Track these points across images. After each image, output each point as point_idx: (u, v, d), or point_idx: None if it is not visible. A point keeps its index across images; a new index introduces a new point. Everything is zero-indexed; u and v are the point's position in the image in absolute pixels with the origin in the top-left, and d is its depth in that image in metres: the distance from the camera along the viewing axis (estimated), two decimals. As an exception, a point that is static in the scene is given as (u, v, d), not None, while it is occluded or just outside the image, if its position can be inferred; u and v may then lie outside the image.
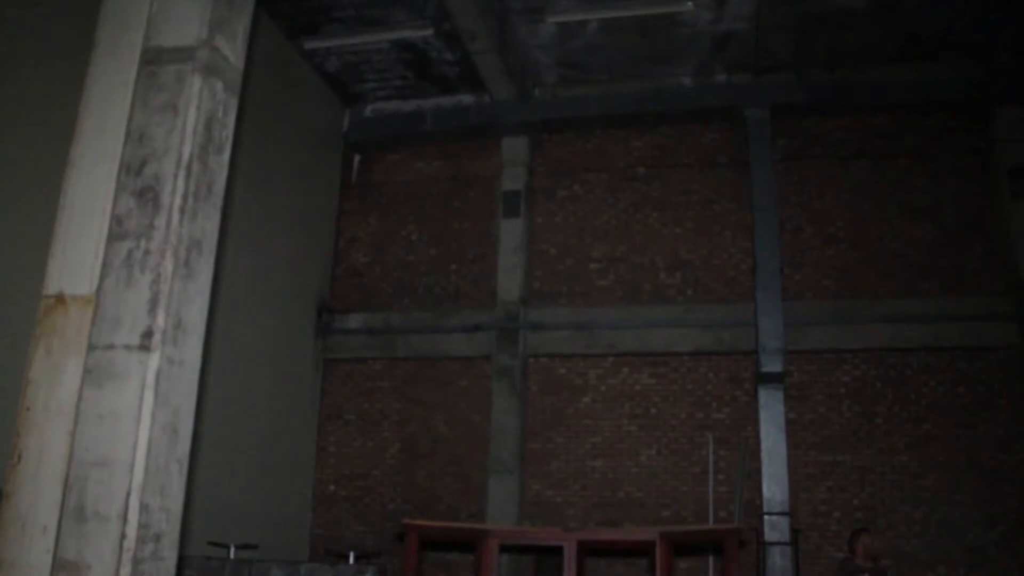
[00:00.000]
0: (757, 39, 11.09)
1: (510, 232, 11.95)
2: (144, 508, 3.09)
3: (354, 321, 12.13)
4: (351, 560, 8.42)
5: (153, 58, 3.46)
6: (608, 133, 12.24)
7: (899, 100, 11.56)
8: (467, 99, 12.46)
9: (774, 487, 10.40)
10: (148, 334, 3.20)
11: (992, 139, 11.29)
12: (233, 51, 3.62)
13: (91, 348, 3.23)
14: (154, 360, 3.19)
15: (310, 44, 11.32)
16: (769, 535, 10.27)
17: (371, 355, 12.08)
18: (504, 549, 9.51)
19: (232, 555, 8.29)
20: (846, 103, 11.67)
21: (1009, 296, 10.71)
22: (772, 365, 10.67)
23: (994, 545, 10.22)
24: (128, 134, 3.42)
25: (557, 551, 7.65)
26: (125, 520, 3.04)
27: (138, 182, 3.36)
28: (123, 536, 3.03)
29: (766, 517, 10.34)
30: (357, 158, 12.84)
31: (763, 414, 10.60)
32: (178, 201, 3.32)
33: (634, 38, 11.21)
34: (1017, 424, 10.48)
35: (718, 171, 11.85)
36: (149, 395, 3.15)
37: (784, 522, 10.31)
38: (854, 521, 10.14)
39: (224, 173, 3.63)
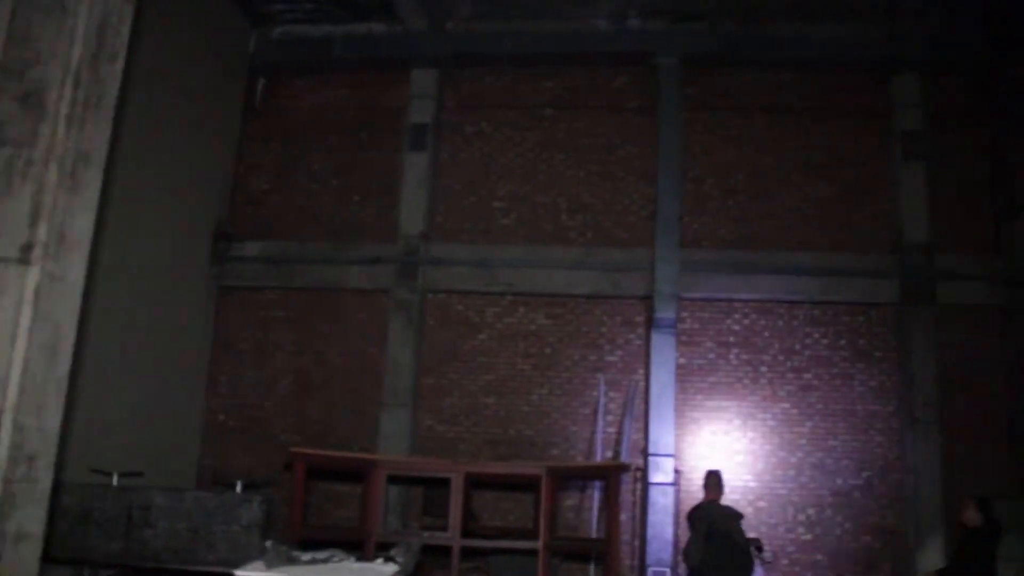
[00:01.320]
0: (672, -15, 11.11)
1: (415, 166, 11.82)
2: (18, 428, 2.95)
3: (251, 249, 11.87)
4: (238, 489, 8.34)
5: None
6: (519, 71, 12.13)
7: (806, 58, 11.74)
8: (378, 27, 12.18)
9: (660, 429, 10.67)
10: (28, 247, 3.04)
11: (890, 102, 11.58)
12: (131, -45, 3.42)
13: (-33, 260, 3.05)
14: (33, 274, 3.03)
15: (216, -42, 10.90)
16: (653, 475, 10.57)
17: (268, 284, 11.87)
18: (394, 480, 9.55)
19: (115, 482, 8.13)
20: (756, 57, 11.80)
21: (894, 255, 11.10)
22: (666, 310, 10.89)
23: (859, 489, 10.74)
24: (10, 35, 3.21)
25: (446, 483, 7.73)
26: (-4, 439, 2.91)
27: (20, 86, 3.17)
28: (-7, 455, 2.91)
29: (651, 458, 10.62)
30: (262, 82, 12.46)
31: (654, 358, 10.83)
32: (64, 109, 3.14)
33: (550, -24, 11.11)
34: (891, 377, 10.94)
35: (626, 116, 11.88)
36: (27, 310, 2.99)
37: (668, 463, 10.61)
38: (735, 464, 10.48)
39: (116, 84, 3.43)
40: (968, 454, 10.67)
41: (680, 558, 6.79)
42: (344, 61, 12.33)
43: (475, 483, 10.34)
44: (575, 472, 8.46)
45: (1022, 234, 10.69)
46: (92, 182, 3.31)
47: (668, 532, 10.41)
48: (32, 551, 3.06)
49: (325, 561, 5.43)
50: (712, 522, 6.75)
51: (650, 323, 10.93)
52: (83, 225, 3.28)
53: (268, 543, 6.41)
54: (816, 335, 11.12)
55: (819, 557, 10.62)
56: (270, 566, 4.40)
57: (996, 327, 11.01)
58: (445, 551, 7.58)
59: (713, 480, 7.32)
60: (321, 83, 12.47)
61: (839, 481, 10.77)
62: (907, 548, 10.29)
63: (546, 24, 11.91)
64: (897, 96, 11.53)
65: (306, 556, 5.53)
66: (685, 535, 10.04)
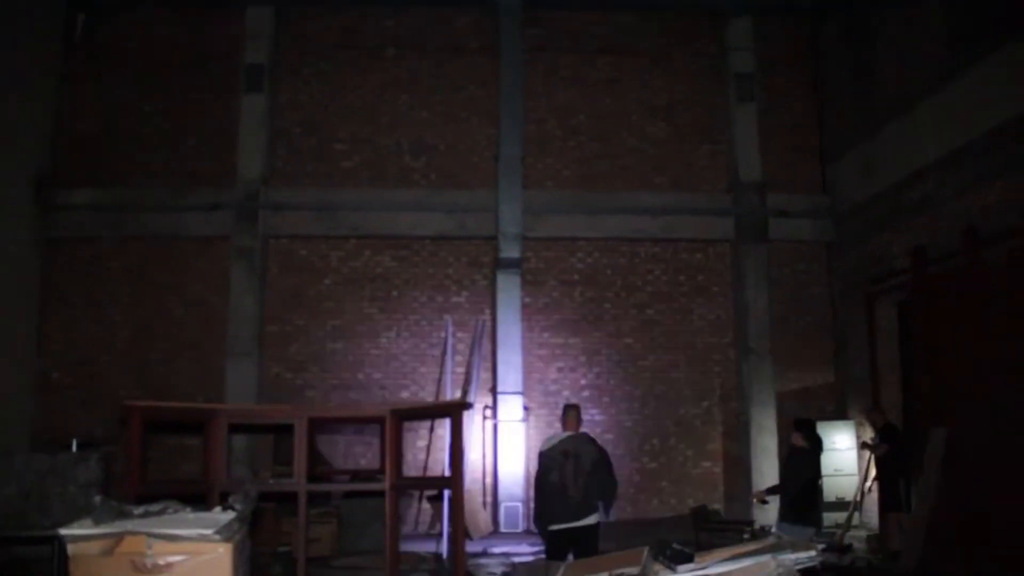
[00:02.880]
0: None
1: (252, 108, 11.40)
2: None
3: (80, 196, 11.20)
4: (73, 448, 7.95)
5: None
6: (359, 10, 11.82)
7: (647, 0, 11.90)
8: (210, -40, 11.61)
9: (508, 368, 10.82)
10: None
11: (725, 45, 11.92)
12: None
13: None
14: None
15: None
16: (502, 414, 10.72)
17: (99, 233, 11.24)
18: (239, 429, 9.31)
19: (-63, 448, 7.63)
20: (597, -1, 11.90)
21: (729, 193, 11.52)
22: (510, 251, 11.00)
23: (699, 418, 11.23)
24: None
25: (292, 429, 7.57)
26: None
27: None
28: None
29: (500, 396, 10.77)
30: (82, 17, 11.58)
31: (500, 298, 10.94)
32: None
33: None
34: (727, 311, 11.43)
35: (469, 57, 11.80)
36: None
37: (517, 400, 10.78)
38: (581, 399, 10.69)
39: None
40: (797, 380, 11.32)
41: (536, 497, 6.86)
42: (173, -5, 11.70)
43: (325, 428, 10.25)
44: (418, 412, 8.44)
45: (845, 173, 11.26)
46: None
47: (519, 468, 10.61)
48: None
49: (159, 513, 5.24)
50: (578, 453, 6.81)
51: (495, 263, 11.00)
52: None
53: (97, 498, 6.15)
54: (657, 272, 11.46)
55: (664, 484, 11.07)
56: (98, 522, 4.19)
57: (821, 262, 11.64)
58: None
59: (572, 413, 7.40)
60: (149, 19, 11.77)
61: (681, 411, 11.22)
62: (744, 470, 10.83)
63: (386, -38, 11.65)
64: (732, 40, 11.88)
65: (139, 510, 5.32)
66: (535, 471, 10.30)
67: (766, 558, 4.19)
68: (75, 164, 11.36)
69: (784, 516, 7.65)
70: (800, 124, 11.92)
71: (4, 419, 10.25)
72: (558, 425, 10.80)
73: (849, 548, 8.86)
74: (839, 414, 10.98)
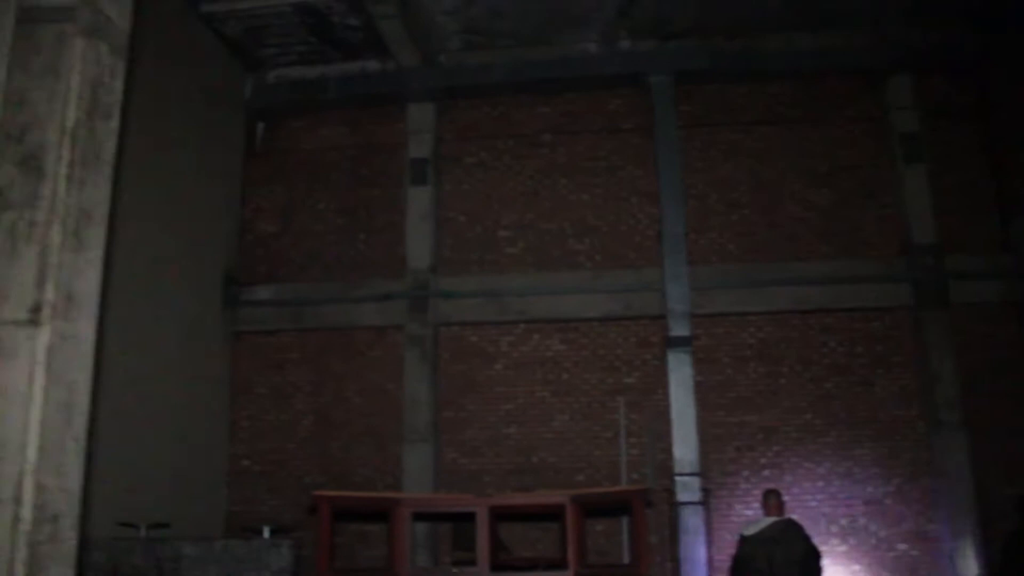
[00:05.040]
0: (660, 5, 11.17)
1: (418, 199, 11.84)
2: (40, 489, 2.96)
3: (263, 292, 11.88)
4: (266, 534, 8.32)
5: (30, 17, 3.28)
6: (514, 100, 12.19)
7: (798, 68, 11.80)
8: (372, 65, 12.23)
9: (684, 448, 10.64)
10: (36, 308, 3.05)
11: (886, 106, 11.64)
12: (118, 11, 3.44)
13: (-22, 325, 3.07)
14: (44, 334, 3.04)
15: (208, 7, 10.95)
16: (681, 495, 10.53)
17: (281, 327, 11.85)
18: (421, 518, 9.51)
19: (143, 534, 8.10)
20: (748, 70, 11.85)
21: (902, 257, 11.12)
22: (680, 329, 10.90)
23: (891, 496, 10.70)
24: (6, 99, 3.24)
25: (473, 518, 7.69)
26: (19, 502, 2.92)
27: (19, 150, 3.19)
28: (17, 519, 2.91)
29: (677, 478, 10.58)
30: (261, 126, 12.50)
31: (672, 377, 10.82)
32: (64, 170, 3.16)
33: (538, 3, 11.17)
34: (912, 381, 10.92)
35: (624, 137, 11.93)
36: (40, 371, 3.01)
37: (695, 482, 10.57)
38: (761, 479, 10.42)
39: (113, 140, 3.47)
40: (997, 453, 10.68)
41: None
42: (340, 100, 12.37)
43: (503, 515, 10.31)
44: (598, 499, 8.41)
45: (1028, 229, 10.72)
46: (95, 239, 3.33)
47: (700, 552, 10.36)
48: (63, 611, 3.05)
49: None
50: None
51: (665, 342, 10.92)
52: (90, 282, 3.29)
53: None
54: (832, 343, 11.11)
55: (856, 568, 10.57)
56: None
57: (1011, 323, 11.02)
58: (480, 587, 7.51)
59: (773, 498, 7.16)
60: (319, 123, 12.51)
61: (869, 489, 10.72)
62: (943, 553, 10.24)
63: (536, 51, 11.97)
64: (892, 99, 11.59)
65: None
66: (718, 555, 10.05)
67: None
68: (257, 262, 12.06)
69: None
70: (974, 181, 11.41)
71: (203, 506, 10.81)
72: (738, 506, 10.64)
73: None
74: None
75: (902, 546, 10.59)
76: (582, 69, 12.03)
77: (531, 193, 11.90)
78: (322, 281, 11.92)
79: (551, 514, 9.66)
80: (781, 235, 11.42)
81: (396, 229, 11.91)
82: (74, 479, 3.16)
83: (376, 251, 11.97)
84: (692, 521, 10.43)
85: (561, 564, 7.89)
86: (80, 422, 3.22)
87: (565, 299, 11.35)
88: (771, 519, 6.71)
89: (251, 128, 12.45)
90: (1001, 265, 11.05)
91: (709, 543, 10.36)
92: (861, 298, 11.06)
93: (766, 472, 10.69)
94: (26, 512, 2.92)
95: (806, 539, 6.58)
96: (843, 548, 10.58)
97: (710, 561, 10.29)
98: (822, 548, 10.33)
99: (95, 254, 3.33)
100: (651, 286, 11.14)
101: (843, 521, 10.67)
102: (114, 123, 3.46)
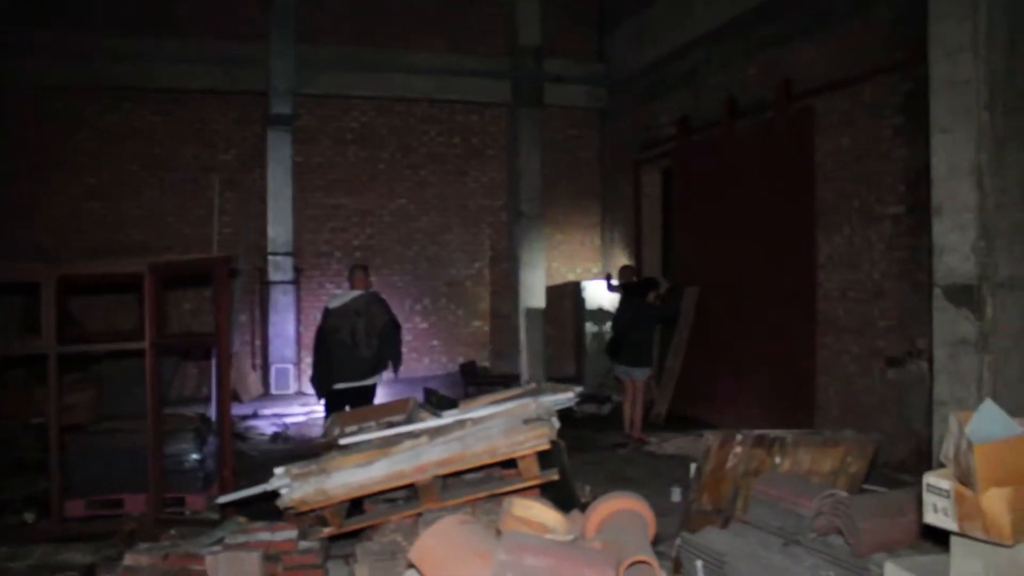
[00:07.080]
0: None
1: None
2: None
3: None
4: None
5: None
6: None
7: None
8: None
9: (279, 228, 10.58)
10: None
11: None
12: None
13: None
14: None
15: None
16: (273, 275, 10.52)
17: None
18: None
19: None
20: None
21: (507, 57, 11.49)
22: (282, 107, 10.57)
23: (471, 278, 11.52)
24: None
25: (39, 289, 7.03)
26: None
27: None
28: None
29: (270, 257, 10.53)
30: None
31: (271, 156, 10.56)
32: None
33: None
34: (500, 174, 11.61)
35: None
36: None
37: (288, 262, 10.61)
38: (354, 259, 10.58)
39: None
40: (566, 243, 11.80)
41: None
42: None
43: (76, 286, 9.57)
44: (178, 267, 8.02)
45: (620, 43, 11.51)
46: None
47: (289, 329, 10.52)
48: None
49: None
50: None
51: (266, 120, 10.55)
52: None
53: None
54: (433, 132, 11.41)
55: (435, 343, 11.35)
56: None
57: (593, 128, 11.99)
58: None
59: (360, 273, 7.29)
60: None
61: (452, 272, 11.43)
62: (512, 328, 11.25)
63: None
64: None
65: None
66: (306, 332, 10.22)
67: (527, 400, 4.43)
68: None
69: (625, 361, 8.04)
70: (580, -9, 12.00)
71: None
72: (329, 285, 10.83)
73: (608, 399, 9.49)
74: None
75: (476, 323, 11.54)
76: None
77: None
78: None
79: (133, 285, 9.17)
80: (395, 22, 11.25)
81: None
82: None
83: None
84: (283, 300, 10.52)
85: (138, 335, 7.55)
86: None
87: (163, 67, 10.30)
88: (356, 292, 6.83)
89: None
90: (594, 73, 11.85)
91: (299, 321, 10.53)
92: (464, 91, 11.34)
93: (358, 254, 10.95)
94: None
95: (387, 311, 6.80)
96: (424, 325, 11.30)
97: (299, 338, 10.49)
98: (405, 326, 11.02)
99: None
100: (256, 60, 10.55)
101: (427, 300, 11.34)
102: None
